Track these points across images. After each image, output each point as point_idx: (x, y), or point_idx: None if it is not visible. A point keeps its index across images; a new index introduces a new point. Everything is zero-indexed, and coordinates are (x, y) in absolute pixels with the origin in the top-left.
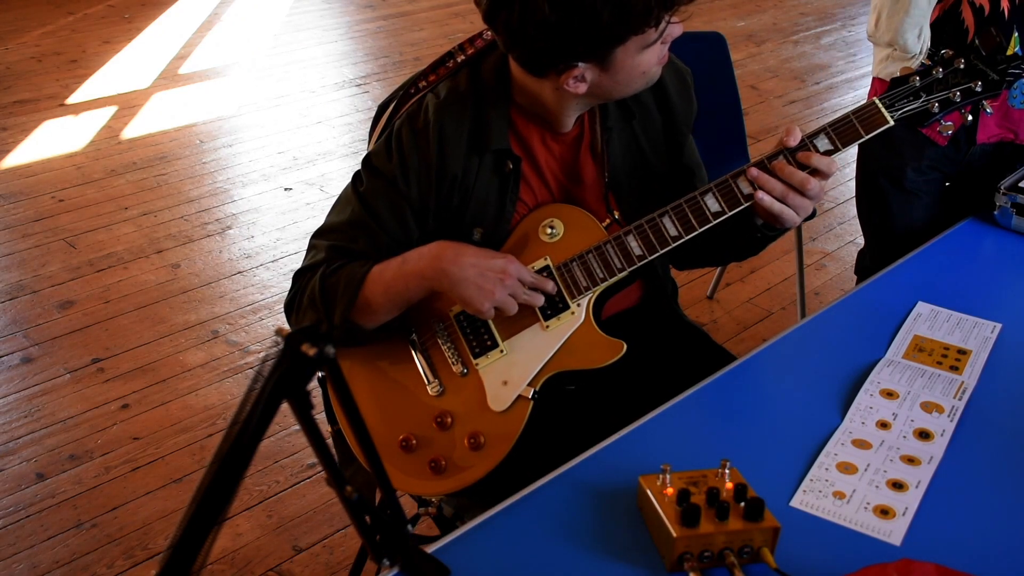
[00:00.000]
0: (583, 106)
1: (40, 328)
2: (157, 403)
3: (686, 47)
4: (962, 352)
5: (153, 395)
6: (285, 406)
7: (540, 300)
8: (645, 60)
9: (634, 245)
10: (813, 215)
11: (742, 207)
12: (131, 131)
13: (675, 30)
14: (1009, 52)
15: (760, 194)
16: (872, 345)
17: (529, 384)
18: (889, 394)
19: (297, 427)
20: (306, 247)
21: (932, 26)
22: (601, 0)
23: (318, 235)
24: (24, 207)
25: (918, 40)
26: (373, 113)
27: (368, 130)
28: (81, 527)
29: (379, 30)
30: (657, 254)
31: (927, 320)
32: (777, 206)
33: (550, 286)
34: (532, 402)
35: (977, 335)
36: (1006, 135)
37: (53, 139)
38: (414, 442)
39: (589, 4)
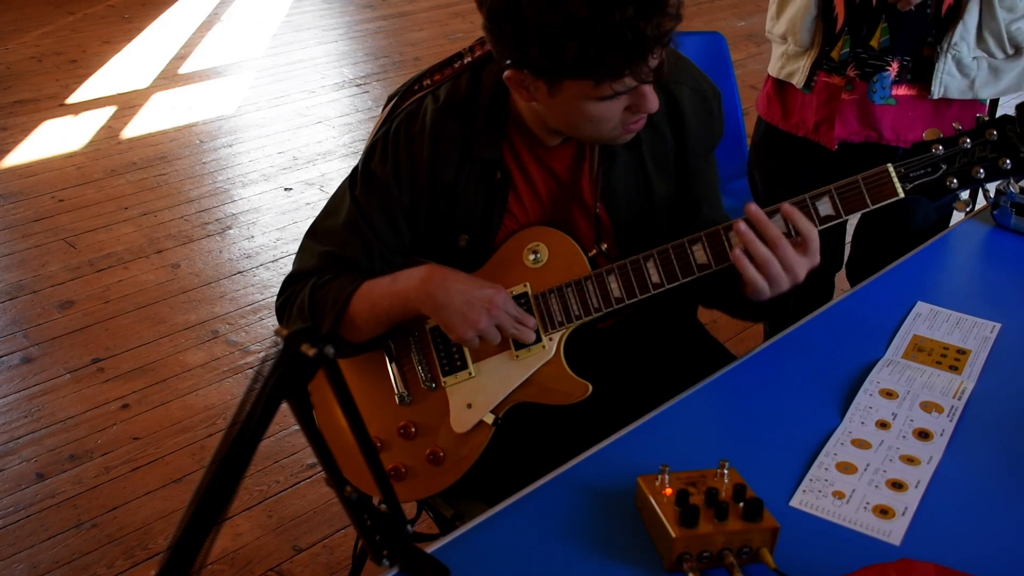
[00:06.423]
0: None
1: (40, 328)
2: (157, 403)
3: (687, 47)
4: (961, 352)
5: (153, 395)
6: (285, 406)
7: (531, 337)
8: (595, 110)
9: (614, 286)
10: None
11: (730, 263)
12: (131, 131)
13: (648, 103)
14: (874, 42)
15: (737, 252)
16: (871, 345)
17: (492, 411)
18: (888, 394)
19: (297, 427)
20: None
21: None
22: (573, 30)
23: (311, 235)
24: (24, 207)
25: (810, 33)
26: (373, 113)
27: (369, 129)
28: (81, 527)
29: (379, 30)
30: (635, 299)
31: (926, 320)
32: (751, 270)
33: (532, 322)
34: (494, 428)
35: (976, 335)
36: (870, 134)
37: (53, 139)
38: (378, 445)
39: (561, 28)
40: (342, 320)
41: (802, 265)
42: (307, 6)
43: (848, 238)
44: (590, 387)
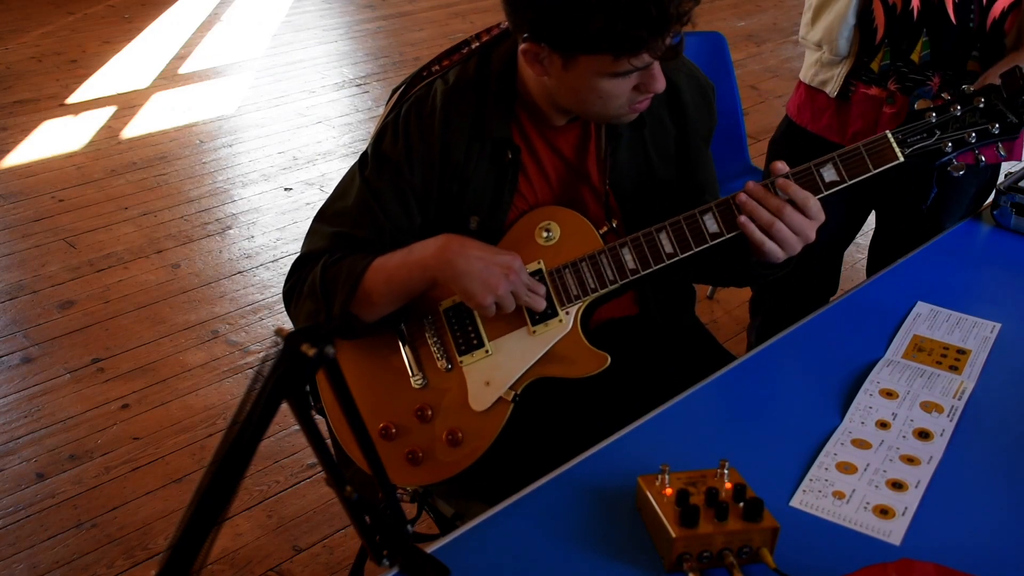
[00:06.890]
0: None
1: (40, 328)
2: (157, 403)
3: (687, 47)
4: (961, 352)
5: (153, 395)
6: (285, 406)
7: (542, 304)
8: (606, 87)
9: (628, 258)
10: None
11: (740, 231)
12: (131, 131)
13: (656, 83)
14: (914, 56)
15: (743, 219)
16: (872, 345)
17: (511, 387)
18: (889, 394)
19: (297, 427)
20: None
21: None
22: (599, 4)
23: (320, 219)
24: (24, 207)
25: (848, 42)
26: (373, 113)
27: (369, 129)
28: (81, 527)
29: (379, 30)
30: (650, 269)
31: (927, 320)
32: (758, 235)
33: (542, 291)
34: (512, 405)
35: (976, 335)
36: None
37: (53, 139)
38: (393, 431)
39: (587, 1)
40: (355, 295)
41: (810, 226)
42: (307, 6)
43: (862, 238)
44: (608, 358)
